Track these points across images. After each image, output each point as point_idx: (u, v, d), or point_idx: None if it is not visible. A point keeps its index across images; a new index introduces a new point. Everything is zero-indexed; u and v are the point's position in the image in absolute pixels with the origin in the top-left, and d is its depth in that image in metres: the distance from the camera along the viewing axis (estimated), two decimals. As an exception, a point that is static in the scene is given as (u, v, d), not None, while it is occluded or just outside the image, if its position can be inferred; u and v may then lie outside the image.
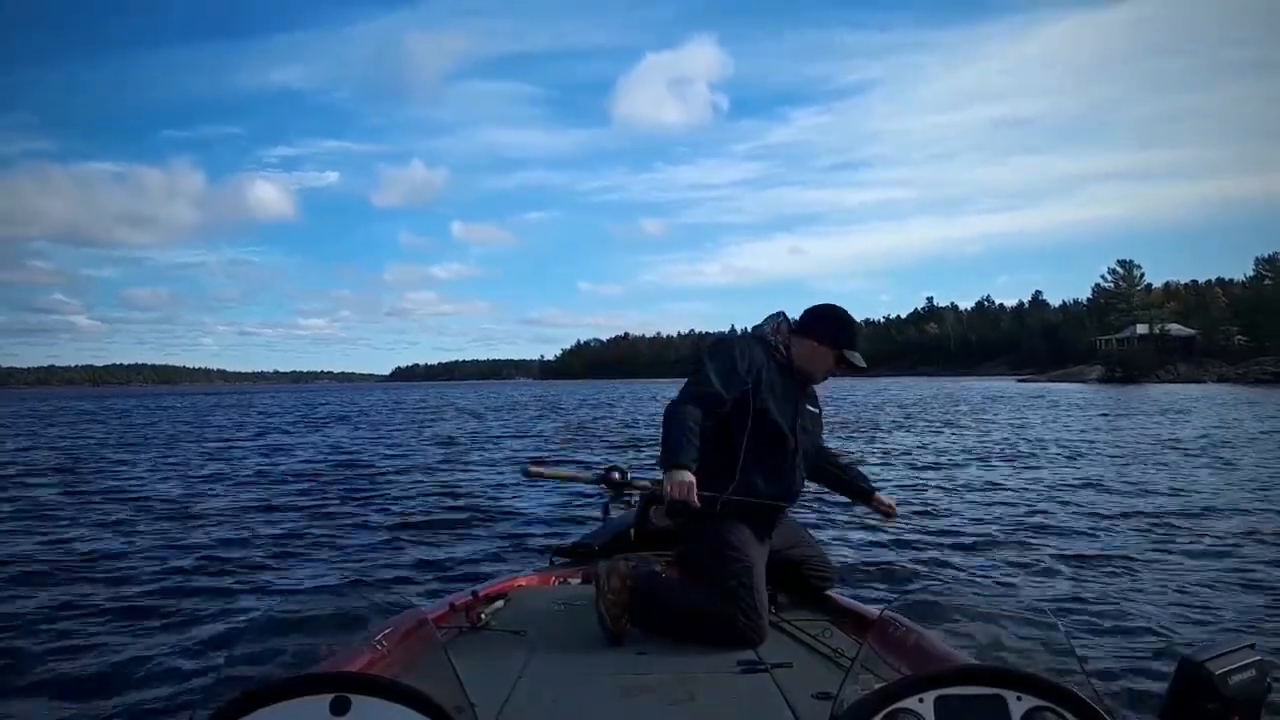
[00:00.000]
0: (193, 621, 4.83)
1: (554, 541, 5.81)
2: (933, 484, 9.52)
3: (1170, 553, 5.62)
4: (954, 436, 15.91)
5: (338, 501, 10.03)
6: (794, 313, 2.73)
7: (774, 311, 2.73)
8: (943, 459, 12.12)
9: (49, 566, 6.61)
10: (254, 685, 1.08)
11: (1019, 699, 1.12)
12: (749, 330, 2.71)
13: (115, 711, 3.53)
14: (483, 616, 2.59)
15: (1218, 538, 6.02)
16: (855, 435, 17.06)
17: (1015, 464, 11.10)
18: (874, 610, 2.52)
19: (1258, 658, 1.16)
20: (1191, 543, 5.89)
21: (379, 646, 2.12)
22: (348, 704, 1.08)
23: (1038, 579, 5.06)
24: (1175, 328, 76.47)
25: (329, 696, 1.08)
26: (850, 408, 28.61)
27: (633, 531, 3.51)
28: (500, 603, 2.77)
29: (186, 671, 3.95)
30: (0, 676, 3.96)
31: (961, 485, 9.32)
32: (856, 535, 6.53)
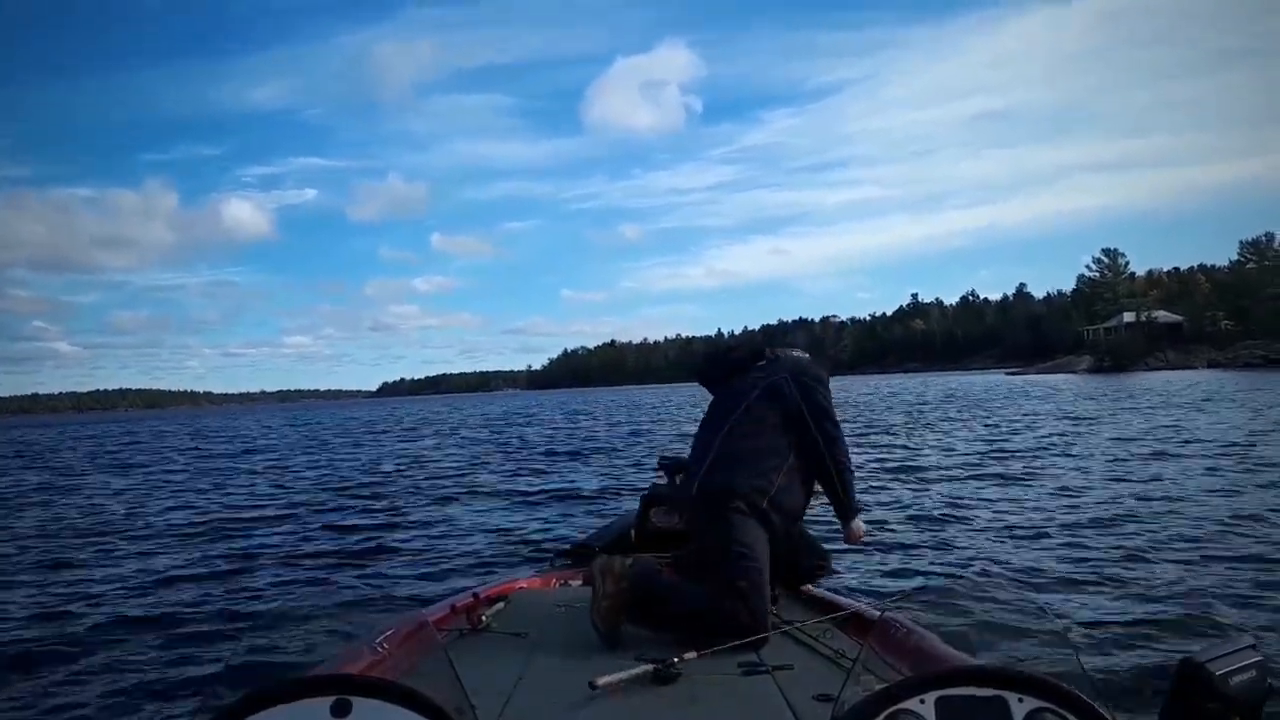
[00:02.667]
0: (193, 625, 4.83)
1: (555, 543, 5.82)
2: (933, 484, 9.51)
3: (1172, 551, 5.61)
4: (956, 434, 15.89)
5: (338, 507, 10.05)
6: (780, 313, 2.86)
7: (806, 354, 2.91)
8: (943, 458, 12.11)
9: (50, 577, 6.63)
10: (255, 687, 1.08)
11: (1020, 700, 1.12)
12: (806, 351, 2.89)
13: (118, 714, 3.53)
14: (483, 618, 2.59)
15: (1222, 535, 6.01)
16: (859, 440, 17.07)
17: (1018, 462, 11.08)
18: (875, 611, 2.52)
19: (1258, 658, 1.16)
20: (1194, 541, 5.88)
21: (380, 648, 2.12)
22: (349, 706, 1.08)
23: (1039, 579, 5.06)
24: (1162, 314, 76.30)
25: (330, 699, 1.08)
26: (852, 409, 28.61)
27: (633, 532, 3.53)
28: (501, 604, 2.77)
29: (188, 674, 3.95)
30: (1, 678, 3.97)
31: (963, 484, 9.31)
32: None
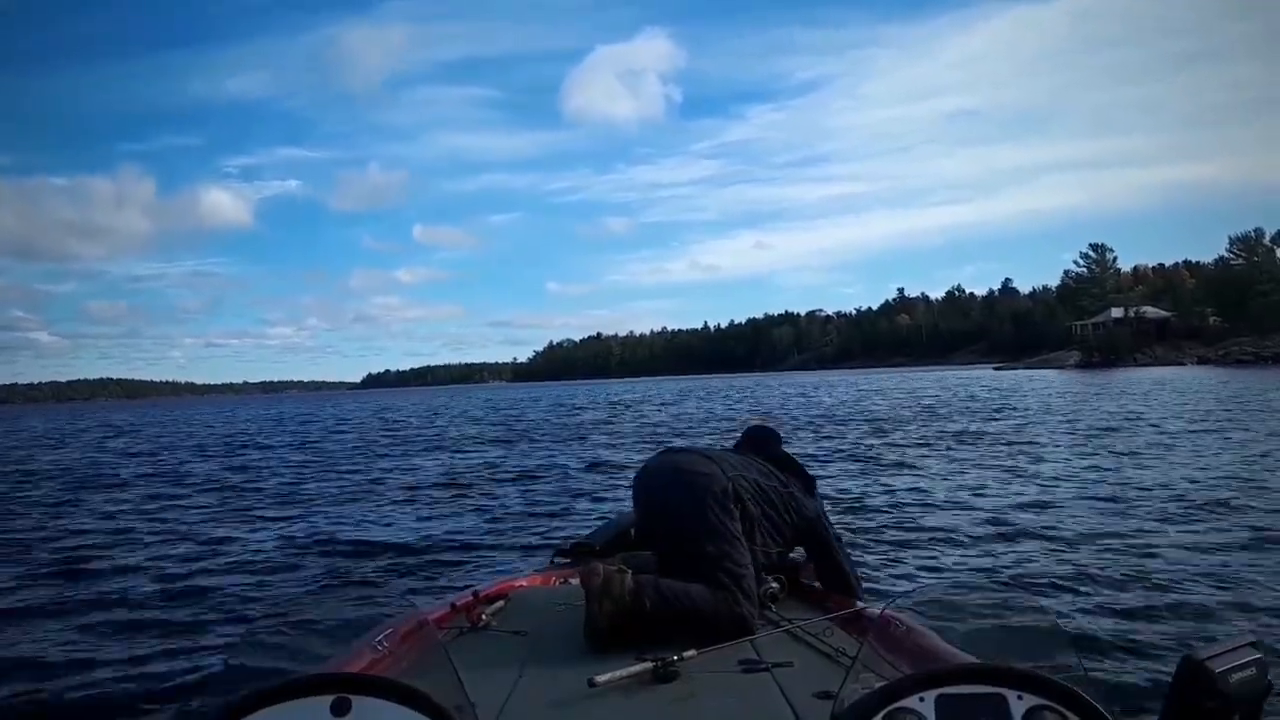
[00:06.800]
0: (194, 623, 4.83)
1: (554, 541, 5.82)
2: (934, 482, 9.52)
3: (1171, 549, 5.61)
4: (951, 430, 15.89)
5: (336, 503, 10.04)
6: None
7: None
8: (943, 456, 12.12)
9: (48, 575, 6.62)
10: (255, 686, 1.08)
11: (1020, 697, 1.12)
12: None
13: (116, 715, 3.53)
14: (483, 617, 2.59)
15: (1222, 533, 6.02)
16: (843, 444, 17.05)
17: (1016, 459, 11.09)
18: (875, 609, 2.52)
19: (1258, 655, 1.16)
20: (1193, 539, 5.88)
21: (380, 647, 2.12)
22: (349, 705, 1.08)
23: (1038, 577, 5.06)
24: (1150, 310, 76.60)
25: (330, 697, 1.08)
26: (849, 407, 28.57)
27: (633, 530, 3.52)
28: (501, 603, 2.77)
29: (188, 674, 3.95)
30: (1, 678, 3.97)
31: (963, 483, 9.31)
32: (856, 532, 6.53)
